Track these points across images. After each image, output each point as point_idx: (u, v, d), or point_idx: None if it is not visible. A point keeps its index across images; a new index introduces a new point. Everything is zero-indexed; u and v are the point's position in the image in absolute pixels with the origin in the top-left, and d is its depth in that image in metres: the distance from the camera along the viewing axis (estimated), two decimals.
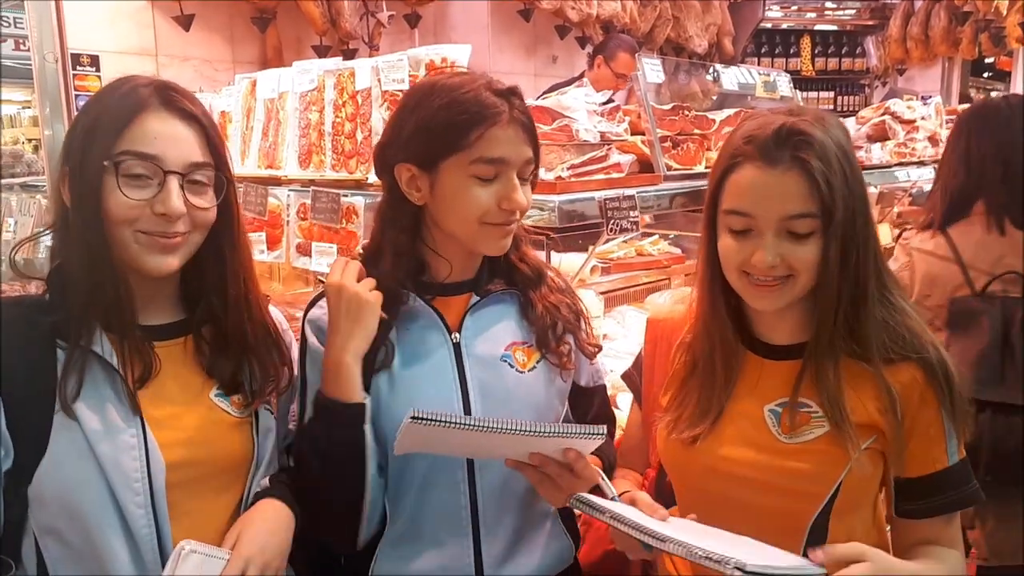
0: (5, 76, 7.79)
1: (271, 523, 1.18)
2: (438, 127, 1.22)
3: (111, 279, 1.12)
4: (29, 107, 7.34)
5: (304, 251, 2.20)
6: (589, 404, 1.45)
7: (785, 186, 1.15)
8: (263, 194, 2.30)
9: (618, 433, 1.60)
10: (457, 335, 1.30)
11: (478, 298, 1.32)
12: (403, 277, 1.28)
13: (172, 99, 1.15)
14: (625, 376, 1.51)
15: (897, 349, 1.19)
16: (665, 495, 1.35)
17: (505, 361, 1.31)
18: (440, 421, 1.07)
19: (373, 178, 1.99)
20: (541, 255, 2.23)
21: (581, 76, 4.48)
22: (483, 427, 1.08)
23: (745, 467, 1.22)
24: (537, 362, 1.33)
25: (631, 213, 1.96)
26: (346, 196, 2.03)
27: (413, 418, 1.06)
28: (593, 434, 1.13)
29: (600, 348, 1.46)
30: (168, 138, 1.13)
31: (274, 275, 3.33)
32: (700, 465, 1.25)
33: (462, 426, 1.09)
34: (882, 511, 1.30)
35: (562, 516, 1.39)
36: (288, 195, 2.25)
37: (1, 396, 1.07)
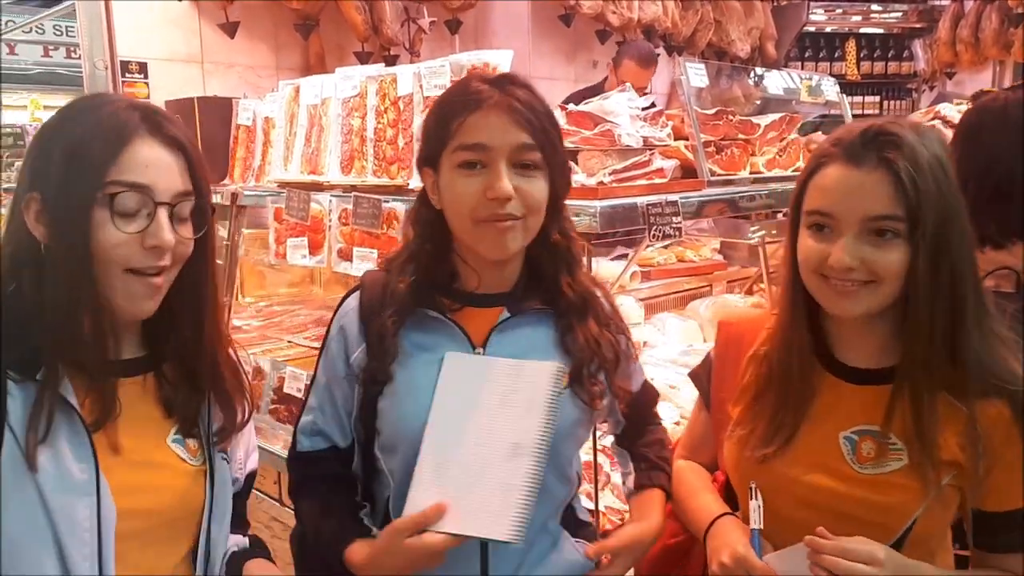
0: (58, 84, 7.99)
1: None
2: (433, 124, 1.24)
3: (94, 319, 1.06)
4: None
5: (345, 256, 2.21)
6: (635, 402, 1.41)
7: (869, 186, 1.10)
8: (305, 199, 2.32)
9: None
10: (481, 350, 1.25)
11: (508, 314, 1.27)
12: (417, 283, 1.26)
13: (159, 124, 1.09)
14: (692, 375, 1.48)
15: (990, 381, 1.13)
16: (732, 505, 1.33)
17: None
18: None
19: (414, 184, 2.00)
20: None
21: (602, 83, 4.41)
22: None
23: (817, 493, 1.19)
24: (564, 389, 1.26)
25: (674, 219, 1.93)
26: (387, 202, 2.03)
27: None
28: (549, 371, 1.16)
29: (630, 394, 1.39)
30: (157, 167, 1.07)
31: (315, 279, 3.37)
32: (770, 487, 1.21)
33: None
34: (950, 535, 1.25)
35: (573, 532, 1.34)
36: (330, 200, 2.26)
37: None
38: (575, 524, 1.38)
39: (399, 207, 2.01)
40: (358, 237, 2.15)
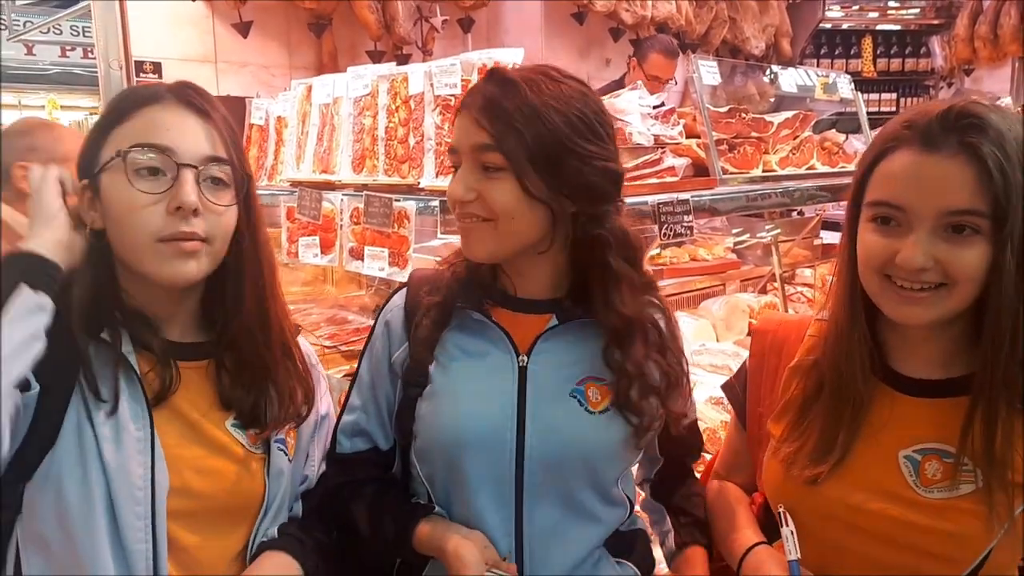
0: (75, 84, 8.04)
1: None
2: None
3: (120, 297, 1.08)
4: (95, 114, 7.60)
5: (357, 255, 2.21)
6: (678, 440, 1.32)
7: (948, 175, 0.96)
8: (317, 198, 2.32)
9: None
10: (525, 358, 1.19)
11: (557, 322, 1.21)
12: (465, 283, 1.22)
13: (187, 95, 1.09)
14: (725, 387, 1.38)
15: None
16: (772, 529, 1.20)
17: (575, 397, 1.18)
18: None
19: (425, 183, 1.99)
20: None
21: (622, 79, 4.40)
22: None
23: (875, 520, 1.06)
24: (611, 404, 1.19)
25: (685, 218, 1.92)
26: (398, 201, 2.03)
27: None
28: None
29: (687, 417, 1.30)
30: (181, 130, 1.07)
31: (327, 278, 3.37)
32: (820, 511, 1.10)
33: None
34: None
35: (613, 553, 1.29)
36: (341, 199, 2.26)
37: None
38: (622, 545, 1.31)
39: (410, 206, 2.00)
40: (369, 236, 2.15)
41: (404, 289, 1.30)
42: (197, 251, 1.07)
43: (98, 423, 1.03)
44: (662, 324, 1.26)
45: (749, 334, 2.91)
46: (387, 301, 1.31)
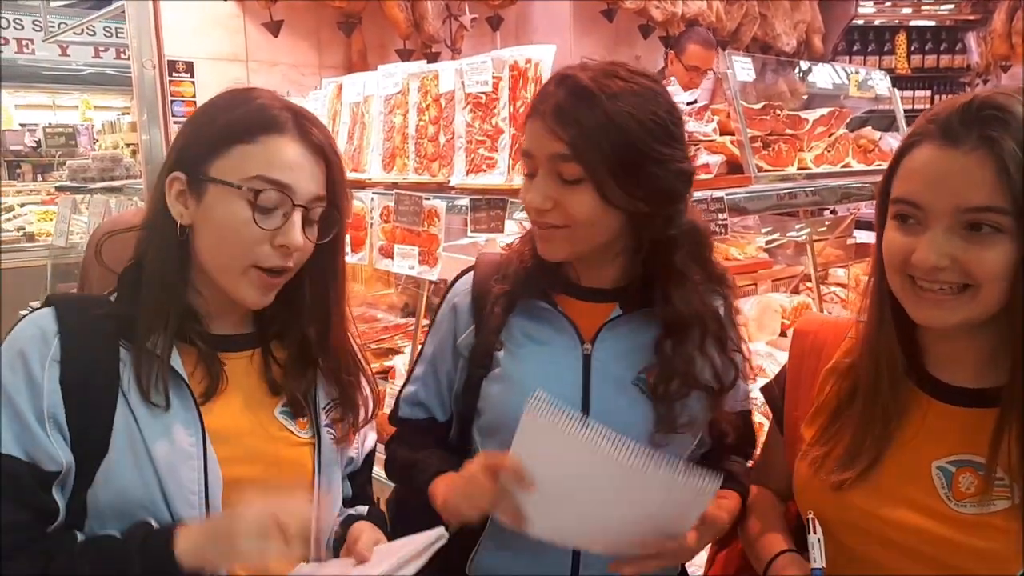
0: (108, 84, 8.15)
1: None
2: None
3: (185, 289, 1.12)
4: (128, 113, 7.70)
5: (386, 253, 2.21)
6: (730, 428, 1.29)
7: (966, 171, 0.92)
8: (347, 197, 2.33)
9: None
10: (590, 347, 1.21)
11: (620, 311, 1.22)
12: (531, 270, 1.24)
13: (307, 129, 1.12)
14: (765, 390, 1.34)
15: None
16: (805, 540, 1.15)
17: (636, 385, 1.20)
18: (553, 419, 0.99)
19: (455, 181, 1.99)
20: None
21: (661, 72, 4.38)
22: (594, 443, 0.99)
23: (903, 532, 1.02)
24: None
25: (719, 216, 1.90)
26: (428, 199, 2.03)
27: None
28: (703, 491, 1.01)
29: (729, 419, 1.27)
30: (300, 169, 1.10)
31: (356, 277, 3.39)
32: (847, 520, 1.06)
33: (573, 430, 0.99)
34: None
35: None
36: (372, 198, 2.27)
37: (63, 398, 1.02)
38: None
39: (440, 204, 2.00)
40: (399, 234, 2.15)
41: (471, 273, 1.33)
42: (279, 285, 1.13)
43: (146, 431, 1.05)
44: (722, 312, 1.26)
45: (782, 334, 2.87)
46: (453, 283, 1.35)
